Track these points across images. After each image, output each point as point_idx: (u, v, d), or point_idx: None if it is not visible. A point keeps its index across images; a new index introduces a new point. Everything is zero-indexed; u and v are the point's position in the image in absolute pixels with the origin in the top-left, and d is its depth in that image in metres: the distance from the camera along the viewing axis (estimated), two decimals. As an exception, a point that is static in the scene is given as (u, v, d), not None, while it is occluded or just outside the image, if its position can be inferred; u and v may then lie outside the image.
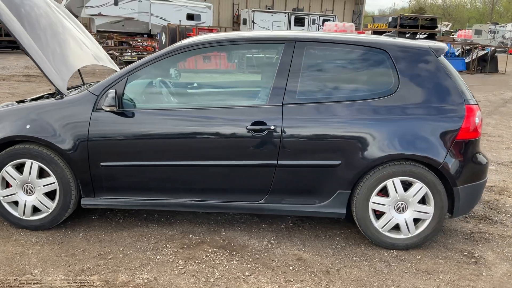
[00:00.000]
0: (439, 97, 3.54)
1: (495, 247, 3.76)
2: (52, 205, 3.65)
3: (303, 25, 38.30)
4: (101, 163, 3.56)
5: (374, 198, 3.54)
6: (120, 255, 3.38)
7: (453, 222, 4.19)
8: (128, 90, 3.59)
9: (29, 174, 3.60)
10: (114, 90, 3.43)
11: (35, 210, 3.70)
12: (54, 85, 3.65)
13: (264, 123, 3.46)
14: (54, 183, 3.60)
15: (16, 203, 3.69)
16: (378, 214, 3.62)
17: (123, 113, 3.53)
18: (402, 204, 3.55)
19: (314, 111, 3.51)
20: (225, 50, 3.85)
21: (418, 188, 3.51)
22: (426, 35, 18.88)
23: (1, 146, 3.61)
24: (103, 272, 3.15)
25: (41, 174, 3.63)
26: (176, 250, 3.49)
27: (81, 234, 3.69)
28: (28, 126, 3.55)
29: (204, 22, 33.87)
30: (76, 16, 31.69)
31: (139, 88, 3.73)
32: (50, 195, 3.67)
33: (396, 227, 3.61)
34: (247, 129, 3.46)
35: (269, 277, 3.17)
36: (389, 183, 3.51)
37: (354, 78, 3.70)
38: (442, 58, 3.65)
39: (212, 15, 35.92)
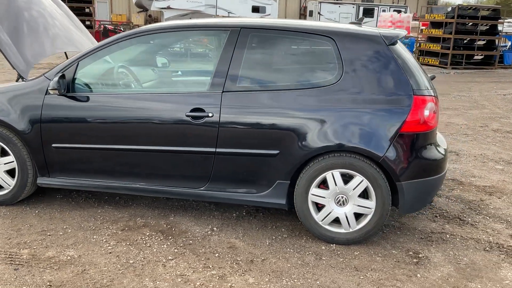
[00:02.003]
0: (384, 87, 3.36)
1: (449, 249, 3.52)
2: (12, 182, 3.88)
3: (372, 17, 37.18)
4: (53, 145, 3.73)
5: (314, 190, 3.44)
6: (60, 233, 3.54)
7: (416, 220, 3.97)
8: (82, 75, 3.73)
9: (-9, 152, 3.86)
10: (60, 75, 3.57)
11: None
12: (15, 69, 3.87)
13: (203, 110, 3.47)
14: (13, 161, 3.83)
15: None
16: (320, 207, 3.51)
17: (74, 97, 3.67)
18: (342, 197, 3.42)
19: (253, 99, 3.46)
20: (172, 37, 3.88)
21: (358, 181, 3.36)
22: (488, 27, 17.71)
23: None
24: (35, 247, 3.32)
25: (4, 153, 3.87)
26: (115, 231, 3.59)
27: (37, 211, 3.89)
28: (-10, 108, 3.80)
29: (269, 15, 33.92)
30: (146, 10, 33.05)
31: (94, 73, 3.86)
32: (13, 173, 3.90)
33: (338, 221, 3.49)
34: (186, 115, 3.48)
35: (189, 262, 3.19)
36: (328, 175, 3.40)
37: (298, 67, 3.61)
38: (395, 46, 3.46)
39: (278, 7, 35.83)
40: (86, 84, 3.75)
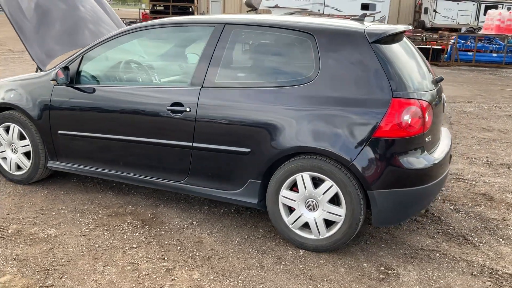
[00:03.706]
0: (360, 87, 3.14)
1: (430, 268, 3.19)
2: (28, 164, 4.27)
3: (495, 15, 34.24)
4: (59, 131, 4.04)
5: (284, 192, 3.33)
6: (54, 213, 3.82)
7: (412, 234, 3.65)
8: (85, 67, 3.98)
9: (12, 135, 4.27)
10: (63, 67, 3.85)
11: (20, 167, 4.37)
12: (33, 60, 4.24)
13: (182, 105, 3.53)
14: (28, 145, 4.22)
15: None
16: (293, 210, 3.39)
17: (77, 88, 3.93)
18: (312, 202, 3.27)
19: (228, 95, 3.43)
20: (160, 33, 3.97)
21: (328, 186, 3.19)
22: None
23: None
24: (24, 223, 3.63)
25: (23, 136, 4.26)
26: (101, 216, 3.79)
27: (46, 192, 4.24)
28: (12, 95, 4.21)
29: (379, 12, 32.80)
30: (256, 9, 33.92)
31: (95, 66, 4.07)
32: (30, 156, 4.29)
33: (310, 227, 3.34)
34: (166, 109, 3.57)
35: (149, 252, 3.27)
36: (298, 177, 3.27)
37: (277, 64, 3.49)
38: (382, 44, 3.20)
39: (390, 4, 34.44)
40: (87, 76, 4.00)
